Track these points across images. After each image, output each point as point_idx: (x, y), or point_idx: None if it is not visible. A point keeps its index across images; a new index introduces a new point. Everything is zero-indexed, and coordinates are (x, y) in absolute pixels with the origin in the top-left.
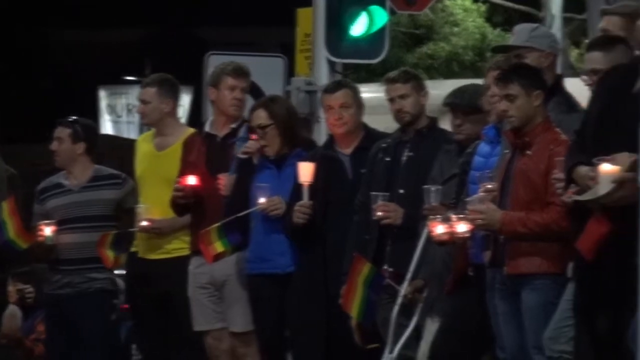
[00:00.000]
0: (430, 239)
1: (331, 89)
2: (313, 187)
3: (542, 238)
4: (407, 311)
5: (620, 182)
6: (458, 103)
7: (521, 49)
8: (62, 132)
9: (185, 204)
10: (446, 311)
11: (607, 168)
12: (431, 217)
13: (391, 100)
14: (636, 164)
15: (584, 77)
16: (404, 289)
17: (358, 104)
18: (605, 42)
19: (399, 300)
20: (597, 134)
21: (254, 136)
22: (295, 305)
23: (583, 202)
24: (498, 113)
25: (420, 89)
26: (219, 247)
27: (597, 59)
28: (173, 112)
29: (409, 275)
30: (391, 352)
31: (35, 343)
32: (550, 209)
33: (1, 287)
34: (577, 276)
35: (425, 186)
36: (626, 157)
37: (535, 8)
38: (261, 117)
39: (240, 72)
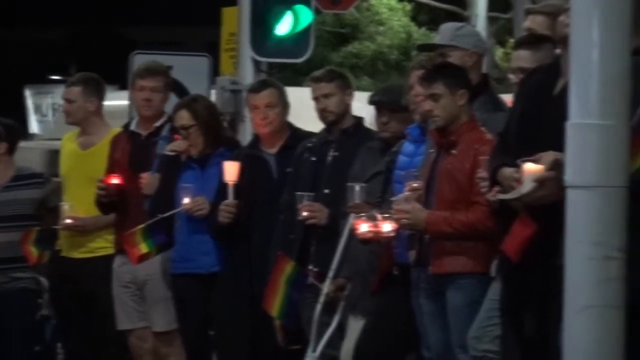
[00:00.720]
0: (352, 237)
1: (256, 88)
2: (238, 186)
3: (467, 237)
4: (330, 310)
5: (541, 181)
6: (384, 101)
7: (445, 47)
8: None
9: (110, 202)
10: (371, 310)
11: (530, 167)
12: (356, 215)
13: (316, 99)
14: (559, 163)
15: (511, 75)
16: (326, 287)
17: (283, 103)
18: (533, 40)
19: (321, 299)
20: (520, 135)
21: (177, 136)
22: (219, 305)
23: (507, 201)
24: (422, 112)
25: (345, 88)
26: (143, 248)
27: (525, 57)
28: (98, 112)
29: (331, 274)
30: (314, 350)
31: None
32: (475, 209)
33: None
34: (502, 277)
35: (350, 184)
36: (550, 156)
37: (461, 7)
38: (184, 117)
39: (148, 73)
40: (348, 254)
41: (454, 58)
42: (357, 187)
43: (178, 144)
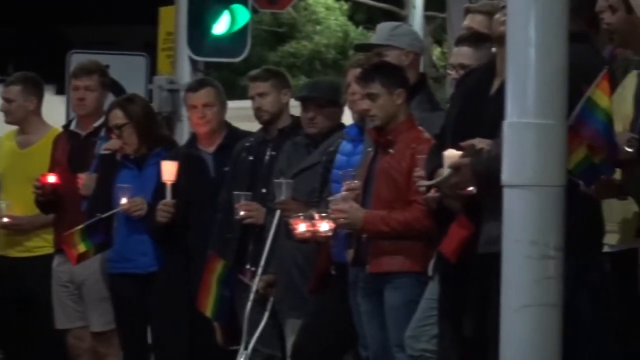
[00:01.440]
0: (279, 233)
1: (194, 87)
2: (176, 186)
3: (405, 236)
4: (263, 307)
5: (456, 167)
6: (310, 96)
7: (382, 47)
8: None
9: (49, 201)
10: (308, 310)
11: (449, 153)
12: (294, 215)
13: (252, 98)
14: (476, 150)
15: (450, 71)
16: (255, 284)
17: (221, 102)
18: (475, 38)
19: (252, 296)
20: (457, 135)
21: (112, 135)
22: (157, 305)
23: (429, 186)
24: (359, 112)
25: (281, 88)
26: (82, 248)
27: (466, 54)
28: (37, 111)
29: (259, 271)
30: (246, 348)
31: None
32: (412, 208)
33: None
34: (440, 277)
35: (276, 180)
36: (476, 142)
37: (398, 6)
38: (117, 116)
39: (82, 72)
40: (276, 250)
41: (391, 57)
42: (284, 183)
43: (112, 143)
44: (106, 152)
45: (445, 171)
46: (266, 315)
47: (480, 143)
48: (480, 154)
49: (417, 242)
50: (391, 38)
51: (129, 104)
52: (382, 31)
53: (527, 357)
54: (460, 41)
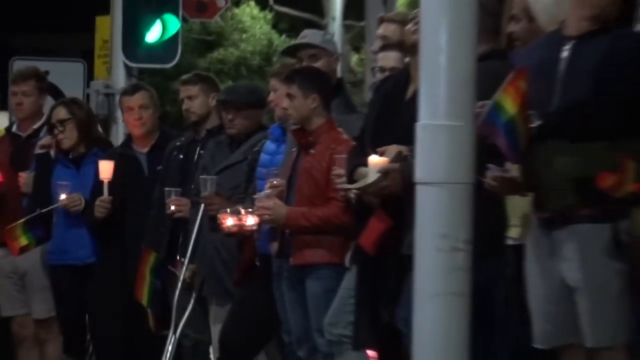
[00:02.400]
0: (203, 225)
1: (130, 91)
2: (112, 183)
3: (324, 231)
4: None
5: (385, 172)
6: (230, 100)
7: (318, 48)
8: None
9: None
10: (235, 298)
11: (375, 159)
12: (219, 209)
13: (182, 100)
14: (402, 156)
15: (379, 74)
16: (182, 273)
17: (155, 105)
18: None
19: (179, 284)
20: (375, 137)
21: (45, 140)
22: (95, 295)
23: (357, 191)
24: (280, 110)
25: (210, 91)
26: (23, 241)
27: (395, 58)
28: None
29: (186, 261)
30: (175, 332)
31: None
32: (331, 204)
33: None
34: (358, 268)
35: (202, 176)
36: (394, 149)
37: (318, 16)
38: (61, 113)
39: (19, 78)
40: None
41: (322, 62)
42: (208, 180)
43: (45, 139)
44: (42, 151)
45: (372, 175)
46: (192, 302)
47: (404, 150)
48: (407, 160)
49: (335, 236)
50: (324, 43)
51: (72, 104)
52: (316, 36)
53: (438, 342)
54: (385, 47)
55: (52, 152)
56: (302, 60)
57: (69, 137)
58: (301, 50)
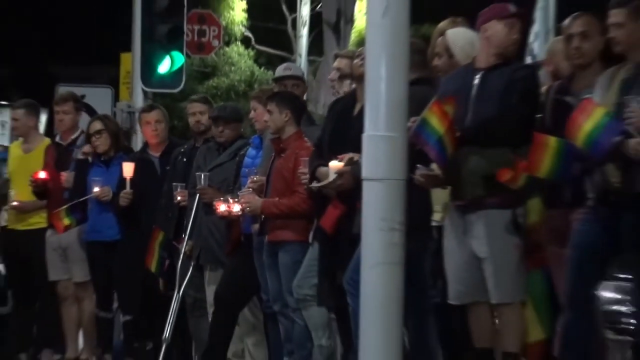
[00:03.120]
0: (199, 211)
1: (148, 109)
2: (133, 180)
3: (290, 216)
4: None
5: (340, 173)
6: (221, 116)
7: (299, 79)
8: None
9: (40, 191)
10: (226, 266)
11: (334, 164)
12: (213, 198)
13: (192, 114)
14: (353, 161)
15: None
16: (183, 247)
17: (166, 120)
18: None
19: (181, 255)
20: (331, 146)
21: (85, 148)
22: (119, 264)
23: (320, 188)
24: (261, 125)
25: (210, 109)
26: (66, 221)
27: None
28: (36, 126)
29: (186, 237)
30: (179, 292)
31: None
32: (295, 196)
33: None
34: (319, 243)
35: (197, 173)
36: (348, 156)
37: (289, 52)
38: (97, 125)
39: (59, 100)
40: (196, 222)
41: (300, 88)
42: (203, 176)
43: (86, 148)
44: (82, 157)
45: (331, 176)
46: (191, 269)
47: (355, 156)
48: (357, 164)
49: (301, 220)
50: (302, 75)
51: (105, 119)
52: (297, 69)
53: (379, 299)
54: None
55: (89, 158)
56: (287, 86)
57: (103, 143)
58: (287, 79)
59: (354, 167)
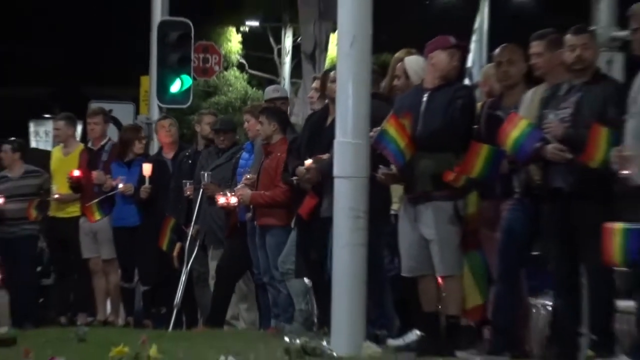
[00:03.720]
0: (203, 202)
1: (163, 117)
2: (151, 177)
3: (272, 205)
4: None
5: (308, 169)
6: (223, 128)
7: (285, 99)
8: (6, 147)
9: (75, 186)
10: (226, 246)
11: (307, 162)
12: (214, 192)
13: (199, 122)
14: (318, 160)
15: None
16: (190, 231)
17: (176, 128)
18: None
19: (189, 237)
20: (307, 148)
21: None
22: (139, 245)
23: (297, 182)
24: (253, 133)
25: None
26: (97, 216)
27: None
28: (73, 135)
29: (192, 223)
30: (187, 267)
31: None
32: (276, 189)
33: None
34: (298, 227)
35: (201, 172)
36: (318, 157)
37: (275, 75)
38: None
39: (91, 114)
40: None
41: (285, 105)
42: (206, 175)
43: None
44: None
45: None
46: (196, 248)
47: (324, 156)
48: (321, 161)
49: (282, 209)
50: (287, 95)
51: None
52: (283, 90)
53: (348, 274)
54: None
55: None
56: (276, 104)
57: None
58: (275, 99)
59: (319, 165)
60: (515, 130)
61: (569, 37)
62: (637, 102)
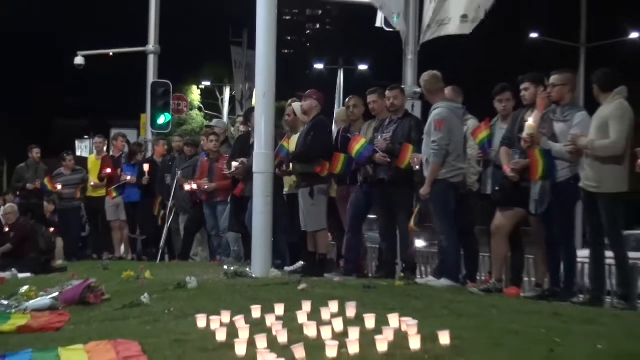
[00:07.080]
0: (177, 189)
1: (158, 140)
2: (148, 172)
3: (217, 189)
4: (172, 211)
5: (236, 167)
6: (190, 143)
7: (222, 128)
8: (67, 156)
9: (103, 178)
10: (189, 213)
11: (234, 163)
12: (185, 182)
13: (178, 142)
14: (243, 162)
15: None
16: (170, 204)
17: (166, 144)
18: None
19: (169, 207)
20: (239, 155)
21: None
22: (140, 212)
23: (231, 175)
24: (206, 146)
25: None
26: (114, 194)
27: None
28: (104, 148)
29: (171, 199)
30: (167, 224)
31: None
32: (223, 180)
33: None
34: (232, 201)
35: (177, 169)
36: (244, 160)
37: (220, 113)
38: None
39: (116, 136)
40: (176, 192)
41: (224, 132)
42: (179, 171)
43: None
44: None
45: (234, 168)
46: (173, 214)
47: (248, 160)
48: (247, 163)
49: (225, 190)
50: (226, 126)
51: (136, 145)
52: (222, 122)
53: (261, 227)
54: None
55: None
56: (214, 129)
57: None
58: (215, 127)
59: (245, 165)
60: (357, 145)
61: (387, 92)
62: (429, 131)
